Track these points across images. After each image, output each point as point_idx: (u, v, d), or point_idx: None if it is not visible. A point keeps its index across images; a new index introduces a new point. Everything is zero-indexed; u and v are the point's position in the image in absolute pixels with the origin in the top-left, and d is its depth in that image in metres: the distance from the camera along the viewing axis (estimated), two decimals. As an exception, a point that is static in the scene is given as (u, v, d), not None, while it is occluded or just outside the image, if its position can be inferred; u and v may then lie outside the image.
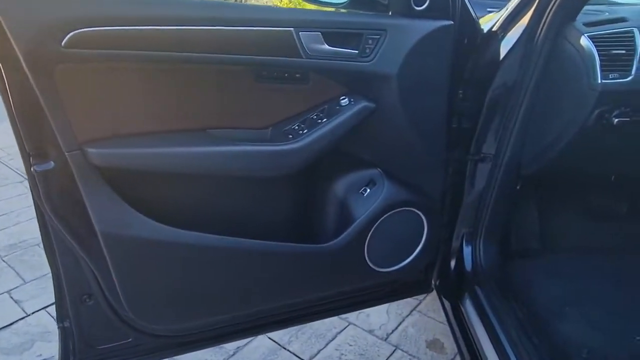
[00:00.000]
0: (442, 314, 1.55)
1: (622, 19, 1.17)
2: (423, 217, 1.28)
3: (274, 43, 0.97)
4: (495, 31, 1.26)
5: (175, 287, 1.11)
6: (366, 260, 1.25)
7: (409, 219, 1.26)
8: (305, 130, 1.07)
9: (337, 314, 1.51)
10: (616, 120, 1.12)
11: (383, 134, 1.15)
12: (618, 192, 1.58)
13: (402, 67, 1.04)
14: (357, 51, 1.02)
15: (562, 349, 1.19)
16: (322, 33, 0.99)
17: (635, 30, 1.13)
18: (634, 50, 1.11)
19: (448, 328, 1.50)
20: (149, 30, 0.88)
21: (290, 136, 1.08)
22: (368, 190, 1.21)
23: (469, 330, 1.33)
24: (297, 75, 1.06)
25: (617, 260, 1.50)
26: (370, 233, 1.21)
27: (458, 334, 1.39)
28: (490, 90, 1.27)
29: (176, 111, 1.02)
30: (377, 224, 1.21)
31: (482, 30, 1.26)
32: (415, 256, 1.32)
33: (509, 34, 1.24)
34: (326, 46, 1.00)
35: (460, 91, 1.24)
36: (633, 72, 1.10)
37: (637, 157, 1.34)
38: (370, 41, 1.02)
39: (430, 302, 1.98)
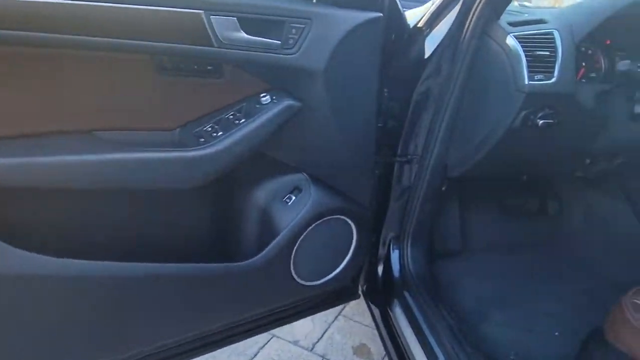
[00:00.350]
0: (368, 317, 1.50)
1: (542, 21, 1.18)
2: (352, 225, 1.21)
3: (179, 27, 0.83)
4: (421, 27, 1.21)
5: (61, 329, 0.90)
6: (292, 275, 1.15)
7: (337, 228, 1.18)
8: (220, 133, 0.95)
9: (261, 332, 1.38)
10: (541, 122, 1.13)
11: (309, 136, 1.05)
12: (532, 191, 1.65)
13: (329, 61, 0.95)
14: (279, 42, 0.89)
15: (491, 352, 1.19)
16: (238, 18, 0.86)
17: (555, 32, 1.14)
18: (555, 52, 1.12)
19: (374, 332, 1.45)
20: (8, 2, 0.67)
21: (202, 140, 0.94)
22: (293, 198, 1.10)
23: (398, 335, 1.29)
24: (209, 68, 0.93)
25: (530, 257, 1.56)
26: (297, 245, 1.11)
27: (387, 339, 1.34)
28: (416, 89, 1.23)
29: (50, 108, 0.82)
30: (303, 235, 1.10)
31: (409, 25, 1.21)
32: (344, 266, 1.25)
33: (435, 30, 1.20)
34: (243, 34, 0.87)
35: (386, 90, 1.18)
36: (556, 74, 1.11)
37: (553, 158, 1.39)
38: (293, 31, 0.91)
39: (355, 305, 1.93)
